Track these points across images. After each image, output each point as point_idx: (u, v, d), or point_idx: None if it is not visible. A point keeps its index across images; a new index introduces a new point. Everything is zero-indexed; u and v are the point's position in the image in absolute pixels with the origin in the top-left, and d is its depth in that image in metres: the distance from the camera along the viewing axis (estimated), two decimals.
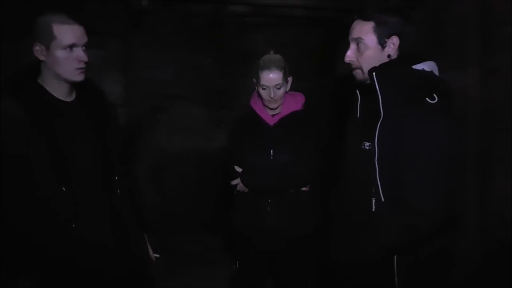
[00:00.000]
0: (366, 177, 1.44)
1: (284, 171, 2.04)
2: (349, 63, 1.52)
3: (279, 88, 2.03)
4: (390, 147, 1.38)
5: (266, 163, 2.06)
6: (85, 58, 1.52)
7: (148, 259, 1.85)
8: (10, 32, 2.74)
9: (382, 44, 1.46)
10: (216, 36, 4.36)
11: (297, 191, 2.10)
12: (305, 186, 2.12)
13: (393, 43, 1.45)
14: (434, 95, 1.36)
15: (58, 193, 1.46)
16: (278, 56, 2.09)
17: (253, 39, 4.45)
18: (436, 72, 1.48)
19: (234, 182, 2.11)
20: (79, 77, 1.53)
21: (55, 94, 1.54)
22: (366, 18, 1.47)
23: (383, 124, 1.40)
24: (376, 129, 1.41)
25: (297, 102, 2.16)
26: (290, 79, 2.10)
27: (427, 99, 1.35)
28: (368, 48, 1.46)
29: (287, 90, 2.11)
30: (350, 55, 1.50)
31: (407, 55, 1.47)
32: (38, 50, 1.48)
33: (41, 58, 1.49)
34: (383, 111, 1.41)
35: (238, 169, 2.10)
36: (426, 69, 1.44)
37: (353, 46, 1.50)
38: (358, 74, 1.51)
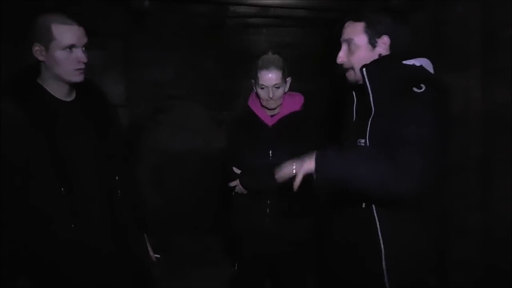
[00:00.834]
0: None
1: None
2: (341, 64, 1.53)
3: (278, 88, 2.02)
4: (381, 141, 1.38)
5: (265, 164, 2.05)
6: (85, 59, 1.51)
7: (149, 260, 1.84)
8: (11, 32, 2.74)
9: (373, 44, 1.47)
10: (217, 37, 4.36)
11: (296, 192, 2.09)
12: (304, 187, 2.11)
13: (384, 42, 1.46)
14: (421, 84, 1.35)
15: (57, 194, 1.46)
16: (277, 56, 2.10)
17: (254, 40, 4.46)
18: (430, 69, 1.47)
19: (232, 184, 2.10)
20: (78, 78, 1.53)
21: (54, 94, 1.54)
22: (357, 19, 1.49)
23: (374, 119, 1.41)
24: (368, 125, 1.42)
25: (296, 103, 2.15)
26: (289, 79, 2.10)
27: (414, 88, 1.34)
28: (358, 48, 1.48)
29: (286, 90, 2.10)
30: (341, 56, 1.52)
31: (399, 52, 1.48)
32: (38, 51, 1.47)
33: (41, 58, 1.48)
34: (374, 107, 1.42)
35: (237, 170, 2.09)
36: (417, 64, 1.44)
37: (344, 47, 1.52)
38: (350, 75, 1.53)
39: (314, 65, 4.53)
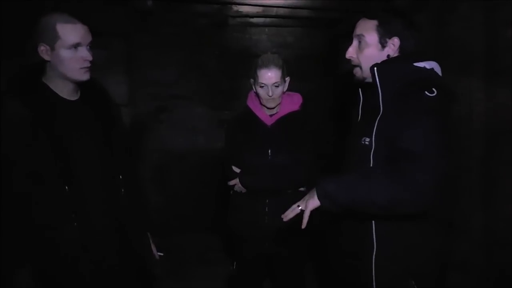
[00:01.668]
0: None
1: (282, 171, 2.04)
2: (349, 60, 1.54)
3: (277, 86, 2.03)
4: (387, 142, 1.38)
5: (264, 163, 2.06)
6: (90, 57, 1.52)
7: (152, 258, 1.85)
8: (11, 32, 2.75)
9: (383, 43, 1.47)
10: (220, 37, 4.37)
11: (295, 191, 2.10)
12: (303, 187, 2.12)
13: (394, 43, 1.47)
14: (433, 88, 1.35)
15: (61, 192, 1.47)
16: (276, 55, 2.11)
17: (257, 40, 4.46)
18: (439, 72, 1.48)
19: (232, 183, 2.11)
20: (84, 76, 1.54)
21: (59, 93, 1.55)
22: (370, 16, 1.49)
23: (382, 119, 1.41)
24: (375, 124, 1.42)
25: (294, 103, 2.16)
26: (287, 79, 2.11)
27: (425, 92, 1.35)
28: (368, 45, 1.48)
29: (285, 90, 2.11)
30: (351, 51, 1.53)
31: (408, 54, 1.48)
32: (43, 50, 1.48)
33: (46, 58, 1.49)
34: (382, 106, 1.42)
35: (236, 169, 2.10)
36: (427, 67, 1.45)
37: (355, 42, 1.52)
38: (357, 72, 1.53)
39: (316, 64, 4.54)
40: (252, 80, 2.10)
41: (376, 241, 1.45)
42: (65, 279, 1.52)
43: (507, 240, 2.14)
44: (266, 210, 2.08)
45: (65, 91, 1.56)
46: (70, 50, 1.48)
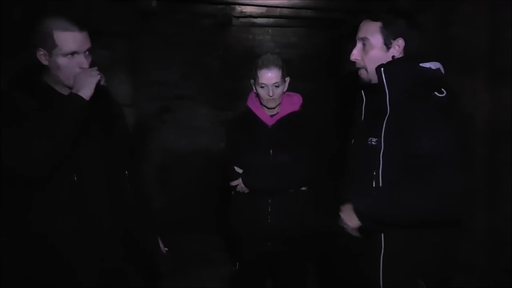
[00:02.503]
0: (369, 173, 1.44)
1: (284, 171, 2.05)
2: (354, 62, 1.54)
3: (277, 87, 2.04)
4: (397, 143, 1.38)
5: (266, 163, 2.07)
6: (86, 65, 1.51)
7: (159, 255, 1.86)
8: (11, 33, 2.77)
9: (388, 44, 1.47)
10: (223, 37, 4.38)
11: (297, 191, 2.11)
12: (305, 186, 2.13)
13: (399, 45, 1.47)
14: (443, 89, 1.36)
15: (62, 187, 1.48)
16: (276, 56, 2.12)
17: (260, 40, 4.47)
18: (443, 72, 1.49)
19: (234, 183, 2.12)
20: None
21: (61, 91, 1.55)
22: (374, 18, 1.49)
23: (390, 120, 1.41)
24: (382, 125, 1.41)
25: (294, 103, 2.17)
26: (287, 79, 2.12)
27: (435, 93, 1.35)
28: (373, 47, 1.48)
29: (285, 90, 2.12)
30: (355, 53, 1.52)
31: (413, 54, 1.48)
32: (42, 55, 1.48)
33: (45, 62, 1.49)
34: (389, 107, 1.42)
35: (239, 170, 2.10)
36: (433, 67, 1.45)
37: (359, 45, 1.52)
38: (362, 73, 1.53)
39: (319, 65, 4.54)
40: (252, 81, 2.11)
41: (384, 242, 1.45)
42: (68, 277, 1.53)
43: (510, 240, 2.14)
44: (269, 210, 2.09)
45: (66, 90, 1.55)
46: (67, 58, 1.47)
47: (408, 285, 1.44)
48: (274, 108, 2.11)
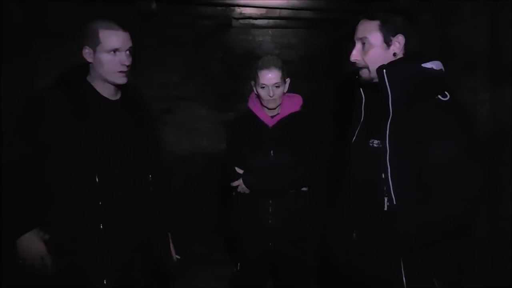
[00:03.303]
0: (376, 176, 1.42)
1: (285, 172, 2.06)
2: (354, 62, 1.53)
3: (278, 87, 2.06)
4: (401, 145, 1.37)
5: (267, 164, 2.08)
6: (127, 62, 1.63)
7: (169, 259, 1.89)
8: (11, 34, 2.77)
9: (388, 42, 1.46)
10: (224, 38, 4.38)
11: (298, 191, 2.12)
12: (305, 187, 2.13)
13: (399, 41, 1.46)
14: (446, 92, 1.36)
15: (90, 182, 1.55)
16: (276, 57, 2.14)
17: (260, 41, 4.47)
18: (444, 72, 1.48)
19: (235, 184, 2.12)
20: (120, 80, 1.65)
21: (101, 92, 1.66)
22: (371, 17, 1.48)
23: (393, 122, 1.39)
24: (386, 128, 1.40)
25: (295, 104, 2.18)
26: (288, 80, 2.13)
27: (439, 96, 1.35)
28: (373, 46, 1.47)
29: (285, 91, 2.13)
30: (355, 54, 1.51)
31: (415, 54, 1.47)
32: (87, 53, 1.61)
33: (89, 60, 1.62)
34: (392, 109, 1.40)
35: (239, 170, 2.11)
36: (435, 68, 1.44)
37: (358, 45, 1.51)
38: (364, 73, 1.52)
39: (319, 65, 4.54)
40: (253, 82, 2.13)
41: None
42: (86, 273, 1.58)
43: (510, 240, 2.14)
44: (270, 210, 2.09)
45: (106, 91, 1.67)
46: (109, 54, 1.59)
47: (427, 284, 1.43)
48: (274, 108, 2.12)
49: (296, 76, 2.15)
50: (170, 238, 1.93)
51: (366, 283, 1.51)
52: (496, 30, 2.24)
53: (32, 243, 1.56)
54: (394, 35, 1.45)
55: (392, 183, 1.39)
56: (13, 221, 1.58)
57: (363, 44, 1.49)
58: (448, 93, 1.36)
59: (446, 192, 1.31)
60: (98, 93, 1.66)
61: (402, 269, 1.41)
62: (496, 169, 2.27)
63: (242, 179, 2.10)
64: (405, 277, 1.41)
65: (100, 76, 1.64)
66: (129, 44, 1.65)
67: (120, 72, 1.63)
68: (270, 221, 2.09)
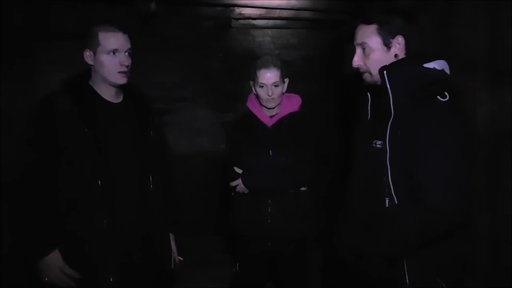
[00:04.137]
0: (378, 176, 1.43)
1: (284, 171, 2.06)
2: (357, 68, 1.53)
3: (276, 86, 2.06)
4: (401, 146, 1.37)
5: (265, 164, 2.08)
6: (127, 62, 1.68)
7: (170, 259, 1.93)
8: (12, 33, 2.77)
9: (387, 44, 1.46)
10: (223, 39, 4.38)
11: (297, 191, 2.12)
12: (304, 186, 2.14)
13: (399, 42, 1.46)
14: (445, 93, 1.35)
15: (94, 184, 1.58)
16: (275, 56, 2.17)
17: (260, 42, 4.47)
18: (447, 71, 1.47)
19: (234, 183, 2.13)
20: (121, 80, 1.69)
21: (103, 95, 1.70)
22: (368, 22, 1.48)
23: (394, 122, 1.40)
24: (387, 128, 1.40)
25: (294, 104, 2.19)
26: (286, 80, 2.14)
27: (438, 97, 1.35)
28: (373, 50, 1.47)
29: (284, 91, 2.13)
30: (356, 60, 1.52)
31: (417, 54, 1.47)
32: (88, 56, 1.67)
33: (90, 62, 1.67)
34: (393, 110, 1.40)
35: (238, 170, 2.11)
36: (437, 67, 1.43)
37: (358, 51, 1.51)
38: (367, 77, 1.52)
39: (319, 66, 4.54)
40: (251, 82, 2.13)
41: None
42: (90, 272, 1.61)
43: (510, 240, 2.14)
44: (269, 210, 2.10)
45: (108, 94, 1.71)
46: (109, 55, 1.64)
47: (431, 284, 1.43)
48: (273, 108, 2.13)
49: (296, 77, 2.15)
50: (173, 240, 1.97)
51: (371, 283, 1.51)
52: (496, 31, 2.24)
53: (53, 259, 1.58)
54: (393, 37, 1.45)
55: (392, 184, 1.39)
56: (35, 242, 1.58)
57: (363, 49, 1.49)
58: (449, 93, 1.35)
59: (429, 201, 1.32)
60: (101, 96, 1.69)
61: (405, 269, 1.41)
62: (496, 169, 2.27)
63: (241, 179, 2.11)
64: (408, 278, 1.41)
65: (101, 78, 1.68)
66: (128, 45, 1.69)
67: (120, 72, 1.67)
68: (269, 221, 2.09)
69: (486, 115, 2.32)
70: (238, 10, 4.20)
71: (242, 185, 2.11)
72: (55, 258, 1.58)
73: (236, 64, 4.34)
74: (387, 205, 1.42)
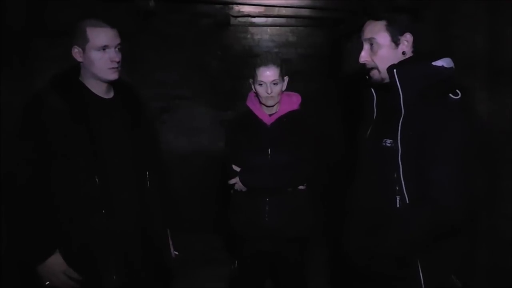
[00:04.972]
0: (388, 175, 1.42)
1: (283, 170, 2.06)
2: (364, 64, 1.52)
3: (276, 84, 2.06)
4: (413, 144, 1.37)
5: (264, 162, 2.08)
6: (117, 58, 1.63)
7: (169, 255, 1.92)
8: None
9: (396, 41, 1.46)
10: (222, 37, 4.37)
11: (295, 190, 2.12)
12: (303, 185, 2.14)
13: (407, 40, 1.45)
14: (457, 90, 1.36)
15: (91, 181, 1.56)
16: (274, 54, 2.17)
17: (259, 40, 4.46)
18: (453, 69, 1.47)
19: (232, 181, 2.13)
20: (112, 76, 1.65)
21: (94, 91, 1.67)
22: (377, 18, 1.48)
23: (405, 121, 1.39)
24: (398, 127, 1.40)
25: (293, 102, 2.18)
26: (286, 78, 2.13)
27: (450, 94, 1.35)
28: (381, 47, 1.47)
29: (283, 89, 2.13)
30: (364, 55, 1.51)
31: (425, 52, 1.47)
32: (76, 52, 1.62)
33: (79, 59, 1.63)
34: (404, 108, 1.40)
35: (236, 168, 2.12)
36: (446, 65, 1.44)
37: (366, 46, 1.51)
38: (374, 74, 1.51)
39: (318, 64, 4.54)
40: (251, 80, 2.13)
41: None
42: (91, 270, 1.60)
43: (510, 239, 2.15)
44: (267, 208, 2.10)
45: (99, 90, 1.67)
46: (99, 52, 1.60)
47: (445, 284, 1.44)
48: (273, 106, 2.12)
49: (295, 75, 2.15)
50: (168, 235, 1.94)
51: (385, 285, 1.51)
52: (495, 30, 2.24)
53: (55, 263, 1.56)
54: (402, 34, 1.45)
55: (404, 182, 1.39)
56: (33, 247, 1.56)
57: (371, 45, 1.49)
58: (459, 91, 1.36)
59: (434, 199, 1.33)
60: (92, 92, 1.66)
61: (419, 268, 1.42)
62: (496, 169, 2.27)
63: (239, 177, 2.11)
64: (422, 277, 1.42)
65: (92, 74, 1.64)
66: (117, 40, 1.65)
67: (111, 68, 1.63)
68: (267, 220, 2.09)
69: (485, 113, 2.33)
70: (237, 7, 4.20)
71: (240, 183, 2.11)
72: (57, 261, 1.56)
73: (235, 62, 4.34)
74: (398, 204, 1.42)
